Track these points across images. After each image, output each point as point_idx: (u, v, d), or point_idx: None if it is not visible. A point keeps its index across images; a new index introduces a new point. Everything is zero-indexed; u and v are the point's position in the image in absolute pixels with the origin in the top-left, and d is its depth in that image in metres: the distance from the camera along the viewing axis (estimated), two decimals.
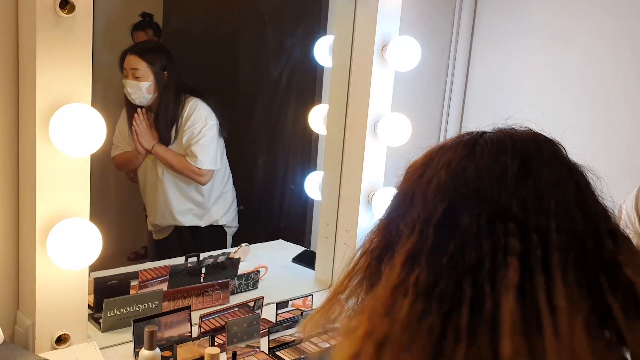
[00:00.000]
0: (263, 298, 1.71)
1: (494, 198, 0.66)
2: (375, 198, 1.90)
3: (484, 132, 0.73)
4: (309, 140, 2.64)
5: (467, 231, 0.64)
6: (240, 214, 2.49)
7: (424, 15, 2.15)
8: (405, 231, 0.69)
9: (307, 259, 2.21)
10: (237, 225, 2.49)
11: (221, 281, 1.84)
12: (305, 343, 1.63)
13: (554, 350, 0.59)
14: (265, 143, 2.76)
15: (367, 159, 1.87)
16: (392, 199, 0.75)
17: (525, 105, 2.10)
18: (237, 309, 1.68)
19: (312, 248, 2.43)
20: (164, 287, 1.79)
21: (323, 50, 2.03)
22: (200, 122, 2.17)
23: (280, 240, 2.46)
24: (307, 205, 2.67)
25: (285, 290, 1.94)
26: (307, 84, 2.54)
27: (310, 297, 1.79)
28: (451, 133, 2.25)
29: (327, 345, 1.62)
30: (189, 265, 1.97)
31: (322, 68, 2.52)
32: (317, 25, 2.53)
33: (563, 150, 0.72)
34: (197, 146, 2.16)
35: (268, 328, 1.61)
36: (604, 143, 1.92)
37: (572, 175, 0.70)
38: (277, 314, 1.70)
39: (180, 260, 1.98)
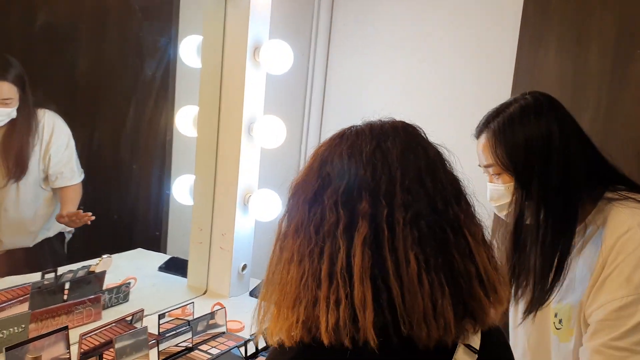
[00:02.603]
0: (143, 310, 1.63)
1: (352, 173, 0.81)
2: (251, 200, 1.90)
3: (353, 125, 0.89)
4: (162, 143, 2.54)
5: (328, 202, 0.80)
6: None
7: (284, 19, 2.19)
8: (294, 212, 0.85)
9: (175, 267, 2.13)
10: (74, 229, 2.31)
11: (92, 297, 1.71)
12: (195, 351, 1.58)
13: (397, 290, 0.75)
14: (114, 146, 2.59)
15: (242, 161, 1.86)
16: (289, 190, 0.88)
17: (380, 105, 2.24)
18: (114, 324, 1.57)
19: (169, 254, 2.35)
20: (22, 309, 1.62)
21: (189, 51, 1.98)
22: (63, 136, 1.98)
23: (140, 249, 2.33)
24: (162, 210, 2.56)
25: (159, 300, 1.86)
26: (161, 85, 2.45)
27: (191, 305, 1.74)
28: (313, 134, 2.33)
29: (218, 351, 1.59)
30: (45, 282, 1.81)
31: (174, 69, 2.45)
32: (167, 24, 2.45)
33: (421, 131, 0.88)
34: (70, 163, 1.99)
35: (157, 340, 1.53)
36: (451, 138, 2.12)
37: (426, 151, 0.85)
38: (159, 325, 1.63)
39: (35, 276, 1.80)
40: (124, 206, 2.47)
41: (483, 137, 1.32)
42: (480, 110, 2.09)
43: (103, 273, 1.87)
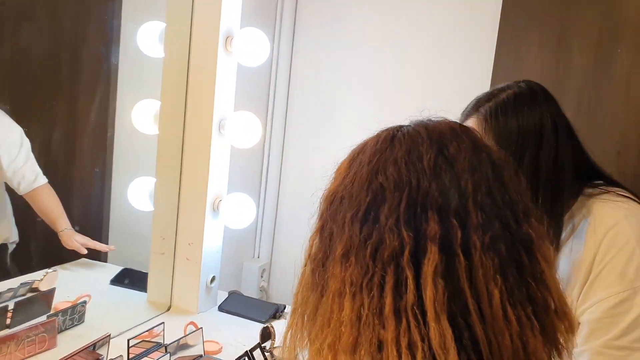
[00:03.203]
0: (109, 335, 1.42)
1: (413, 186, 0.67)
2: (222, 205, 1.73)
3: (401, 126, 0.75)
4: (103, 140, 2.28)
5: (387, 220, 0.66)
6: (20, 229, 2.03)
7: (247, 10, 2.02)
8: (336, 230, 0.70)
9: (130, 280, 1.91)
10: (18, 239, 2.03)
11: (46, 321, 1.48)
12: None
13: (480, 329, 0.63)
14: (50, 146, 2.30)
15: (213, 162, 1.68)
16: (322, 201, 0.75)
17: (349, 102, 2.12)
18: (77, 354, 1.36)
19: (111, 262, 2.12)
20: None
21: (146, 39, 1.77)
22: (13, 134, 1.71)
23: (85, 259, 2.07)
24: (102, 214, 2.31)
25: (119, 320, 1.66)
26: (103, 76, 2.19)
27: (161, 326, 1.54)
28: (277, 130, 2.17)
29: None
30: None
31: (117, 60, 2.20)
32: (110, 8, 2.20)
33: (477, 134, 0.75)
34: (29, 163, 1.75)
35: None
36: None
37: (490, 157, 0.72)
38: (129, 349, 1.43)
39: None
40: (66, 212, 2.19)
41: (470, 121, 1.25)
42: (456, 110, 2.02)
43: (52, 291, 1.64)
